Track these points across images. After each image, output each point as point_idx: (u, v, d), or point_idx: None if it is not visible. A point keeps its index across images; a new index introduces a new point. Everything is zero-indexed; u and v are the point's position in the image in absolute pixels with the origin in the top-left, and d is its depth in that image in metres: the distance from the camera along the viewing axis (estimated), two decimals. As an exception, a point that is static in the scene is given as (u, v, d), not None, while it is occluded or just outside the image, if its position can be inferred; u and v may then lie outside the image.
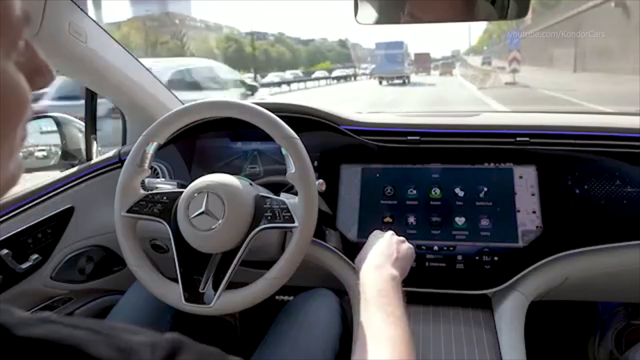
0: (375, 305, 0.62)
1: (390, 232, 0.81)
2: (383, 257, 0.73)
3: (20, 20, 0.27)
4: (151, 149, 0.83)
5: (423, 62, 34.48)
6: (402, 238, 0.80)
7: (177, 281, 0.78)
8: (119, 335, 0.27)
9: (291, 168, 0.78)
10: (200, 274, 0.79)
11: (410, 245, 0.80)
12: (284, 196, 0.81)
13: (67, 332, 0.26)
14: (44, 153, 1.16)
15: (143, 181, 0.86)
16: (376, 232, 0.83)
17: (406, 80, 22.88)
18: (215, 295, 0.76)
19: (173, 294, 0.78)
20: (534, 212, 0.91)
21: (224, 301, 0.76)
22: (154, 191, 0.84)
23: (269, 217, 0.77)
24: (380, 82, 22.18)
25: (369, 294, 0.65)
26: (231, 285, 0.78)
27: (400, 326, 0.59)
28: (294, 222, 0.76)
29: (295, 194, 0.79)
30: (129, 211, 0.81)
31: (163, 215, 0.81)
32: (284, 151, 0.78)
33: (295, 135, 0.79)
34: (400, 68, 23.41)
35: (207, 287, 0.77)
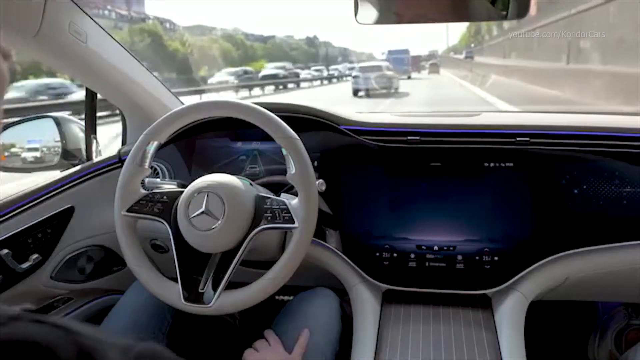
0: None
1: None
2: None
3: None
4: (151, 148, 0.83)
5: (415, 62, 42.10)
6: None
7: (176, 281, 0.78)
8: (89, 335, 0.26)
9: (291, 168, 0.78)
10: (199, 273, 0.79)
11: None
12: (284, 196, 0.81)
13: (30, 329, 0.25)
14: (36, 154, 1.10)
15: (143, 181, 0.86)
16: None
17: (409, 77, 31.59)
18: (214, 295, 0.76)
19: (172, 293, 0.78)
20: (534, 212, 0.91)
21: (223, 301, 0.76)
22: (154, 190, 0.84)
23: (269, 218, 0.77)
24: (392, 78, 30.90)
25: None
26: (231, 286, 0.78)
27: None
28: (294, 223, 0.76)
29: (296, 194, 0.79)
30: (129, 210, 0.81)
31: (163, 214, 0.81)
32: (284, 151, 0.78)
33: (296, 136, 0.79)
34: (406, 68, 32.71)
35: (207, 286, 0.77)
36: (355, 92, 14.75)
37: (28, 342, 0.24)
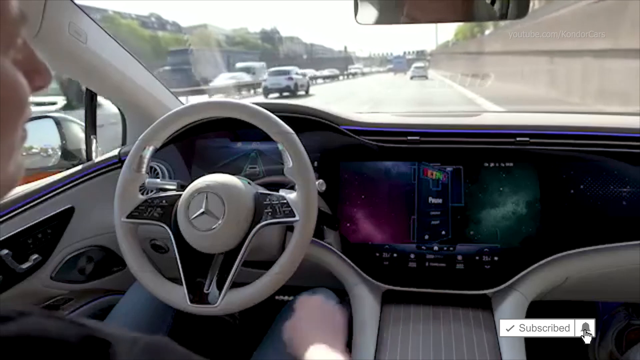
0: None
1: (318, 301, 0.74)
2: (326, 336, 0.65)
3: (18, 18, 0.27)
4: (147, 153, 0.84)
5: (408, 63, 49.19)
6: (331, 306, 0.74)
7: (179, 282, 0.78)
8: (98, 328, 0.27)
9: (288, 163, 0.78)
10: (203, 275, 0.78)
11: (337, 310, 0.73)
12: (283, 192, 0.81)
13: (42, 323, 0.26)
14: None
15: (142, 185, 0.86)
16: (303, 299, 0.75)
17: (405, 73, 39.40)
18: (220, 295, 0.76)
19: (178, 296, 0.78)
20: (534, 212, 0.91)
21: (229, 300, 0.76)
22: (153, 195, 0.84)
23: (270, 213, 0.77)
24: (395, 74, 40.27)
25: None
26: (234, 286, 0.78)
27: None
28: (294, 217, 0.76)
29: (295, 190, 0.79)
30: (129, 217, 0.81)
31: (163, 218, 0.81)
32: (280, 147, 0.79)
33: (291, 130, 0.79)
34: (404, 68, 41.23)
35: (212, 287, 0.77)
36: (411, 78, 26.63)
37: (40, 337, 0.25)
